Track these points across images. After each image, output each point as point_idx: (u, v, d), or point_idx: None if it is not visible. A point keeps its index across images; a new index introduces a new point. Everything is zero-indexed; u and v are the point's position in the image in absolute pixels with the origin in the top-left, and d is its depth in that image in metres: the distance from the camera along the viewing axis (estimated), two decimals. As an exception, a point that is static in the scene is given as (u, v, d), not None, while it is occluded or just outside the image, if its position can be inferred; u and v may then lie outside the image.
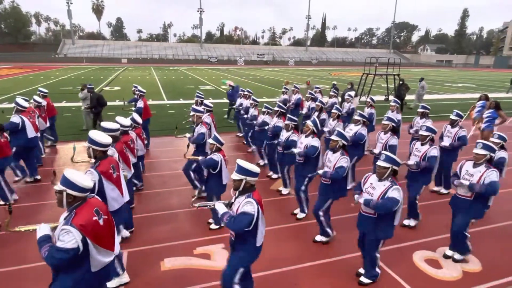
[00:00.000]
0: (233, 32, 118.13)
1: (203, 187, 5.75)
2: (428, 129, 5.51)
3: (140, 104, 9.02)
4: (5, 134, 5.84)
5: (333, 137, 4.85)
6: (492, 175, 4.28)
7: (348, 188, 4.88)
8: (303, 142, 5.54)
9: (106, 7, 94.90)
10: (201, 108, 7.08)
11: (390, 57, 26.71)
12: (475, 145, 4.51)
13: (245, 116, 8.94)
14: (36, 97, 8.30)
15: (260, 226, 3.34)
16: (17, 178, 6.87)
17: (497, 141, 5.47)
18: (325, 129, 7.62)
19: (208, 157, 5.08)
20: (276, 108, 7.39)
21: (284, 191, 6.84)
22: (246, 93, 10.01)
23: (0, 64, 48.11)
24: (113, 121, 5.24)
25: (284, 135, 6.29)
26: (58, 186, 2.69)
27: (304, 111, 9.88)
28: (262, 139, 7.76)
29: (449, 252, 4.77)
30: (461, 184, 4.48)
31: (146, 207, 6.16)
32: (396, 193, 3.77)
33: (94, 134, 3.87)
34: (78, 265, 2.68)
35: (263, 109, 7.84)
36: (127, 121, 5.55)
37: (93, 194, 3.06)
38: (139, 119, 6.23)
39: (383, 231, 3.96)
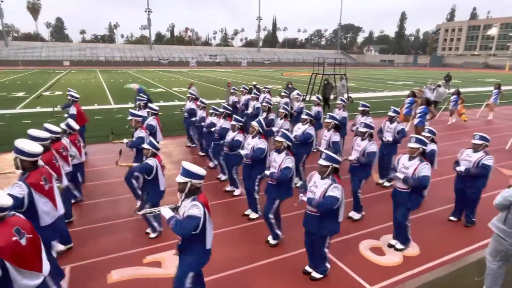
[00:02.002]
0: (184, 33, 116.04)
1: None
2: (366, 125, 5.83)
3: (73, 110, 8.27)
4: None
5: (278, 138, 4.91)
6: (425, 169, 4.60)
7: (293, 186, 4.98)
8: (250, 143, 5.57)
9: (43, 6, 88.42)
10: (144, 112, 6.83)
11: (337, 57, 27.89)
12: (409, 139, 4.85)
13: (193, 119, 8.81)
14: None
15: (208, 229, 3.30)
16: None
17: (428, 135, 5.95)
18: (274, 129, 7.74)
19: (141, 164, 4.89)
20: (222, 110, 7.36)
21: (236, 192, 6.82)
22: (191, 95, 9.84)
23: None
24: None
25: (230, 135, 6.28)
26: None
27: (250, 110, 9.96)
28: (210, 141, 7.69)
29: (393, 241, 5.07)
30: (397, 177, 4.79)
31: (88, 218, 5.79)
32: (336, 191, 3.88)
33: (21, 143, 3.53)
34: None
35: (210, 111, 7.76)
36: (56, 128, 5.15)
37: (13, 212, 2.75)
38: (75, 125, 5.83)
39: (328, 228, 4.08)
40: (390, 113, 7.27)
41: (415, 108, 11.19)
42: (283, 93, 10.67)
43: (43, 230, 3.53)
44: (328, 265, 4.34)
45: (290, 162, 4.79)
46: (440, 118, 14.32)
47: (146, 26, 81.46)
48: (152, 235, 5.20)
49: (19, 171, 3.59)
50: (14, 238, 2.47)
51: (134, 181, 5.60)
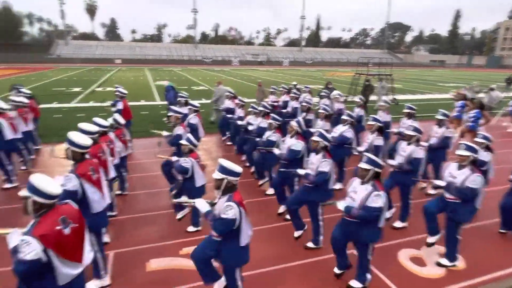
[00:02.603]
0: (228, 32, 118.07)
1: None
2: (415, 129, 5.48)
3: (120, 105, 8.79)
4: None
5: (314, 138, 4.81)
6: (476, 181, 4.20)
7: (332, 188, 4.86)
8: (287, 143, 5.53)
9: (99, 7, 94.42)
10: (185, 109, 7.04)
11: (383, 57, 26.86)
12: (458, 146, 4.50)
13: (230, 116, 8.93)
14: (22, 98, 8.21)
15: (244, 227, 3.34)
16: (8, 186, 6.79)
17: (482, 141, 5.50)
18: (313, 130, 7.62)
19: (178, 163, 5.02)
20: (260, 108, 7.38)
21: (270, 191, 6.82)
22: (229, 94, 9.98)
23: (-9, 65, 47.55)
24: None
25: (266, 134, 6.29)
26: (23, 192, 2.57)
27: (288, 110, 9.88)
28: (246, 140, 7.73)
29: (431, 239, 4.77)
30: (436, 185, 4.48)
31: (130, 209, 6.11)
32: (378, 200, 3.67)
33: (73, 135, 3.80)
34: (43, 278, 2.56)
35: (249, 109, 7.82)
36: (105, 122, 5.47)
37: (66, 200, 2.95)
38: (121, 120, 6.17)
39: (369, 235, 3.88)
40: (439, 116, 6.84)
41: (467, 112, 10.44)
42: (323, 93, 10.46)
43: (93, 217, 3.78)
44: (369, 276, 4.11)
45: (326, 165, 4.64)
46: (498, 124, 13.27)
47: (192, 26, 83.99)
48: (191, 228, 5.34)
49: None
50: (57, 227, 2.58)
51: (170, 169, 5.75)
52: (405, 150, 5.44)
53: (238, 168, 3.39)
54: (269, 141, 6.10)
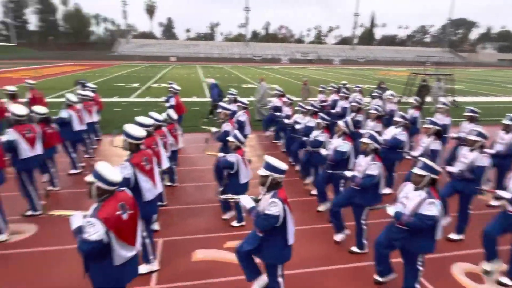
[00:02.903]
0: (278, 30, 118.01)
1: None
2: (480, 134, 5.00)
3: (172, 101, 9.24)
4: (53, 126, 6.34)
5: (363, 140, 4.63)
6: None
7: (381, 192, 4.65)
8: (334, 143, 5.40)
9: (158, 7, 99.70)
10: (234, 106, 7.16)
11: (443, 56, 25.05)
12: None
13: (278, 114, 8.92)
14: (88, 92, 8.98)
15: (289, 224, 3.35)
16: (73, 172, 7.46)
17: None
18: (362, 131, 7.36)
19: (223, 158, 5.12)
20: (308, 107, 7.28)
21: (315, 191, 6.72)
22: (277, 92, 9.97)
23: (63, 62, 52.49)
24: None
25: (313, 134, 6.19)
26: (89, 178, 2.83)
27: (336, 110, 9.62)
28: (293, 138, 7.68)
29: (504, 279, 4.22)
30: (501, 196, 4.09)
31: (179, 200, 6.40)
32: (432, 208, 3.40)
33: (129, 127, 4.06)
34: (103, 257, 2.80)
35: (297, 108, 7.76)
36: (160, 116, 5.77)
37: (123, 188, 3.18)
38: (174, 115, 6.47)
39: (420, 246, 3.61)
40: (506, 121, 6.23)
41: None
42: (375, 93, 10.05)
43: (145, 205, 4.02)
44: (418, 287, 3.84)
45: (375, 168, 4.45)
46: None
47: (244, 24, 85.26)
48: (235, 223, 5.46)
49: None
50: (117, 213, 2.82)
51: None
52: (467, 156, 5.00)
53: (283, 166, 3.40)
54: (317, 141, 6.01)
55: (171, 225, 5.49)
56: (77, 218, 2.87)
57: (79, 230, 2.77)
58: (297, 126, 7.34)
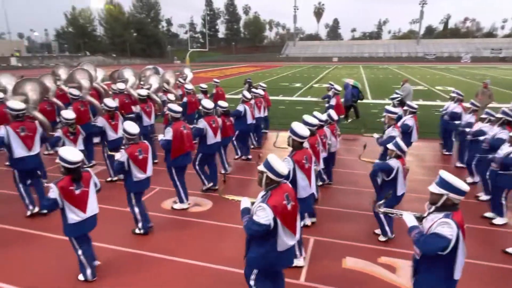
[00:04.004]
0: (461, 24, 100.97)
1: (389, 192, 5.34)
2: None
3: (333, 101, 9.25)
4: (231, 119, 7.34)
5: None
6: None
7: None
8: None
9: (325, 9, 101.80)
10: (399, 109, 6.56)
11: None
12: None
13: (457, 123, 7.62)
14: (259, 90, 10.04)
15: (459, 255, 2.78)
16: (236, 156, 8.58)
17: None
18: None
19: (382, 163, 4.71)
20: (499, 115, 5.91)
21: (499, 220, 5.44)
22: (456, 96, 8.49)
23: (240, 63, 60.75)
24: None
25: (503, 149, 4.96)
26: (261, 167, 3.11)
27: None
28: (474, 152, 6.41)
29: None
30: None
31: (332, 201, 6.35)
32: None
33: (296, 125, 4.25)
34: (266, 240, 3.02)
35: (483, 115, 6.43)
36: (323, 116, 5.84)
37: (286, 180, 3.39)
38: (335, 116, 6.42)
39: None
40: None
41: None
42: None
43: (299, 202, 4.17)
44: None
45: None
46: None
47: (417, 20, 77.12)
48: (382, 238, 5.04)
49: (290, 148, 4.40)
50: (284, 202, 3.03)
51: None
52: None
53: (464, 186, 2.82)
54: (509, 159, 4.83)
55: (323, 225, 5.48)
56: (245, 201, 3.26)
57: (245, 211, 3.13)
58: (481, 138, 6.10)
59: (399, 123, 6.83)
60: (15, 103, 5.63)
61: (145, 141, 5.16)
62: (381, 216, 4.74)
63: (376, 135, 6.31)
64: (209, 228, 5.40)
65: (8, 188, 6.45)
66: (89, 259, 4.06)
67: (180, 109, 5.93)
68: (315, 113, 5.81)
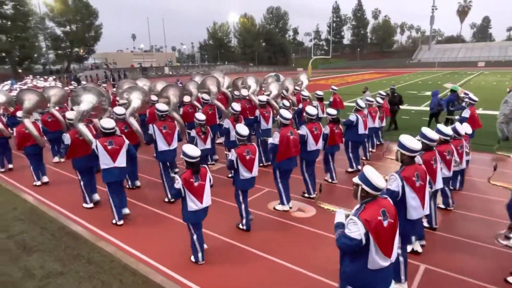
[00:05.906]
0: None
1: None
2: None
3: (466, 113, 8.09)
4: (340, 127, 7.15)
5: None
6: None
7: None
8: None
9: (472, 7, 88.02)
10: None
11: None
12: None
13: None
14: (378, 98, 9.51)
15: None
16: (350, 170, 8.22)
17: None
18: None
19: None
20: None
21: None
22: None
23: (364, 70, 58.09)
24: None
25: None
26: (356, 180, 3.02)
27: None
28: None
29: None
30: None
31: (452, 228, 5.54)
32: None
33: (405, 138, 3.90)
34: (358, 257, 2.90)
35: None
36: (448, 130, 5.14)
37: (386, 196, 3.20)
38: (461, 130, 5.57)
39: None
40: None
41: None
42: None
43: (407, 222, 3.84)
44: None
45: None
46: None
47: None
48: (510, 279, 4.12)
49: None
50: (379, 218, 2.85)
51: None
52: None
53: None
54: None
55: (436, 252, 4.87)
56: (340, 215, 3.17)
57: (339, 225, 3.06)
58: None
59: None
60: (162, 106, 6.78)
61: (253, 143, 5.58)
62: None
63: None
64: (308, 235, 5.45)
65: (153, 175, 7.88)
66: (200, 243, 4.66)
67: (289, 115, 6.15)
68: (439, 125, 5.21)
